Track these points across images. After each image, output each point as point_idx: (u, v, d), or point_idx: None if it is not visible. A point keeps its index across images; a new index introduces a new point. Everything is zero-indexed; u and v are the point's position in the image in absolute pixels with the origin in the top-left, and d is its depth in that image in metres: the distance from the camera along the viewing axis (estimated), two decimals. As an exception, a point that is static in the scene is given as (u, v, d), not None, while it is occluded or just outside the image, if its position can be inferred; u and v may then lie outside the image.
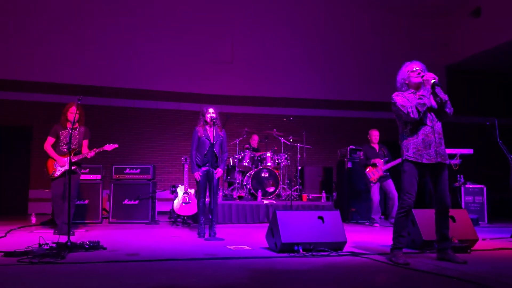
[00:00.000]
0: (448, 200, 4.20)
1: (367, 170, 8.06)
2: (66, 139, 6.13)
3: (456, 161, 8.19)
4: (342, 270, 3.89)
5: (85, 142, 6.36)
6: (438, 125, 4.23)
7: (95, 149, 6.22)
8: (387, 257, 4.31)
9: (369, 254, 4.61)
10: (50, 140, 6.24)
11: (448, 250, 4.19)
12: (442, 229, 4.22)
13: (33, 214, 7.83)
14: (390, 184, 8.04)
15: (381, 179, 8.02)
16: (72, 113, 6.10)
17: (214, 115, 6.20)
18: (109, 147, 6.32)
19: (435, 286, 3.29)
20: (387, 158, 8.06)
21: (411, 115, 4.10)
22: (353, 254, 4.61)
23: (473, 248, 4.91)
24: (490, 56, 12.43)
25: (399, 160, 7.47)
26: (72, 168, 5.96)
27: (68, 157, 5.56)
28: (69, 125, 6.23)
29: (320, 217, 4.86)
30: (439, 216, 4.24)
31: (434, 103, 4.26)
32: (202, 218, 6.14)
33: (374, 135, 8.36)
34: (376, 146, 8.30)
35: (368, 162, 8.09)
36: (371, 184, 8.03)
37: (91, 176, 8.00)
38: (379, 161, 7.99)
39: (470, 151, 8.26)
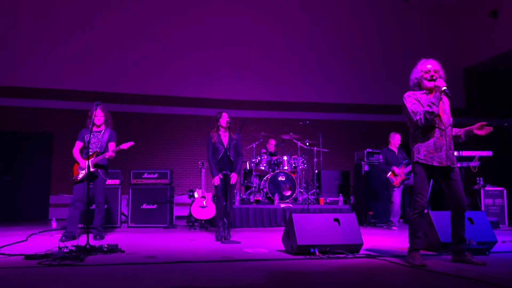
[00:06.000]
0: (464, 201, 4.15)
1: (388, 175, 7.96)
2: (91, 142, 6.13)
3: (475, 163, 8.08)
4: (358, 272, 3.87)
5: (112, 144, 6.29)
6: (449, 129, 4.20)
7: (111, 149, 6.20)
8: (404, 259, 4.29)
9: (386, 256, 4.59)
10: (78, 144, 6.27)
11: (465, 251, 4.15)
12: (458, 231, 4.19)
13: (53, 219, 7.93)
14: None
15: (404, 182, 7.90)
16: (97, 116, 6.14)
17: (228, 119, 6.28)
18: (125, 145, 6.23)
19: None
20: (406, 161, 7.95)
21: (419, 123, 4.11)
22: (369, 256, 4.59)
23: (492, 250, 4.85)
24: (509, 58, 12.26)
25: None
26: (93, 170, 6.03)
27: (88, 160, 5.57)
28: (94, 128, 6.21)
29: (336, 220, 4.85)
30: (454, 217, 4.20)
31: (447, 108, 4.24)
32: (220, 222, 6.18)
33: (397, 138, 8.25)
34: (395, 149, 8.23)
35: (388, 168, 7.98)
36: (394, 189, 7.93)
37: (110, 181, 8.12)
38: (396, 169, 7.89)
39: (489, 153, 8.16)
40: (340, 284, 3.38)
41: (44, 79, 11.30)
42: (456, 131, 4.33)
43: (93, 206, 6.49)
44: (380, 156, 8.38)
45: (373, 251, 4.94)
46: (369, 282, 3.45)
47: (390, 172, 7.93)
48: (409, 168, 7.80)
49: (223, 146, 6.24)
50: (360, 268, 4.00)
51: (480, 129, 4.20)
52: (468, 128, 4.27)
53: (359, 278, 3.63)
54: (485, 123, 4.17)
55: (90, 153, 6.13)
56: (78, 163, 6.20)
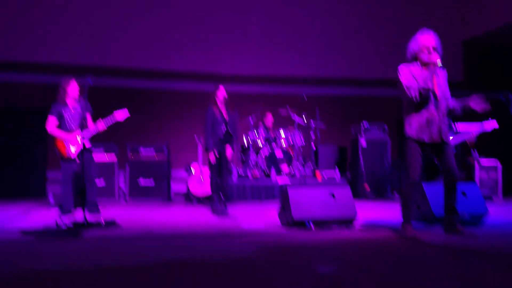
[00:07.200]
0: (456, 173, 4.18)
1: None
2: (72, 116, 5.89)
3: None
4: (351, 243, 3.93)
5: (89, 116, 6.04)
6: (443, 104, 4.20)
7: (100, 119, 5.84)
8: (396, 231, 4.36)
9: (379, 228, 4.65)
10: (53, 119, 5.90)
11: (456, 223, 4.20)
12: (450, 203, 4.22)
13: (51, 194, 8.00)
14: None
15: None
16: (75, 87, 5.91)
17: (225, 94, 6.28)
18: (119, 115, 5.83)
19: (443, 259, 3.32)
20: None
21: (414, 99, 4.10)
22: (363, 228, 4.65)
23: (484, 222, 4.91)
24: (509, 31, 12.16)
25: (465, 136, 7.22)
26: (88, 145, 5.90)
27: (80, 134, 5.50)
28: (69, 101, 5.95)
29: (331, 193, 4.90)
30: (447, 189, 4.23)
31: (442, 83, 4.22)
32: (216, 196, 6.23)
33: None
34: None
35: None
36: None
37: (107, 156, 8.16)
38: None
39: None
40: (333, 255, 3.43)
41: (38, 52, 11.19)
42: (453, 103, 4.32)
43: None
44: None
45: (367, 224, 5.01)
46: (362, 254, 3.51)
47: None
48: (455, 140, 7.23)
49: (225, 120, 6.24)
50: (353, 240, 4.06)
51: (477, 104, 4.19)
52: (465, 101, 4.25)
53: (352, 250, 3.69)
54: (482, 95, 4.15)
55: (74, 128, 5.88)
56: (65, 139, 5.87)
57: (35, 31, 11.20)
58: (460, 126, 7.73)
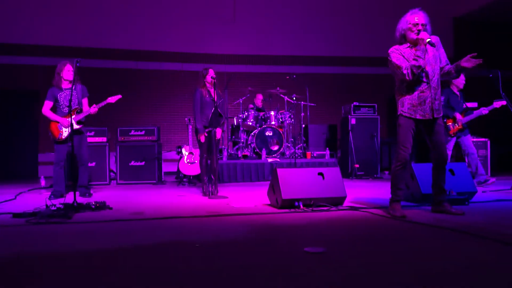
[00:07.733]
0: (445, 154, 4.22)
1: (448, 120, 7.15)
2: (66, 100, 5.97)
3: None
4: (339, 223, 3.98)
5: (85, 101, 6.16)
6: (434, 81, 4.20)
7: (94, 104, 5.98)
8: (385, 210, 4.41)
9: (368, 208, 4.70)
10: (48, 104, 6.02)
11: (444, 202, 4.26)
12: (438, 182, 4.27)
13: (42, 177, 7.99)
14: (468, 139, 7.32)
15: (459, 133, 7.22)
16: (69, 71, 5.94)
17: (214, 75, 6.24)
18: (112, 99, 6.06)
19: (431, 238, 3.36)
20: (464, 107, 7.28)
21: (406, 78, 4.09)
22: (352, 208, 4.70)
23: (471, 201, 4.97)
24: (501, 7, 12.12)
25: (479, 113, 7.16)
26: (78, 127, 6.01)
27: (71, 117, 5.51)
28: (64, 85, 6.03)
29: (320, 174, 4.93)
30: (436, 169, 4.27)
31: (431, 59, 4.21)
32: (206, 177, 6.25)
33: (462, 78, 7.17)
34: (458, 93, 7.34)
35: (451, 112, 7.12)
36: (448, 138, 7.12)
37: (97, 139, 8.14)
38: (458, 116, 7.15)
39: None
40: (323, 236, 3.47)
41: (29, 35, 11.04)
42: (448, 67, 4.29)
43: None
44: (442, 98, 6.80)
45: (357, 203, 5.06)
46: (349, 232, 3.55)
47: (451, 118, 7.17)
48: (468, 117, 7.23)
49: (214, 101, 6.22)
50: (342, 220, 4.10)
51: (468, 62, 4.11)
52: (457, 62, 4.21)
53: (340, 229, 3.73)
54: (475, 54, 4.06)
55: (67, 112, 5.96)
56: (58, 122, 5.98)
57: (24, 14, 11.04)
58: (471, 105, 7.77)
